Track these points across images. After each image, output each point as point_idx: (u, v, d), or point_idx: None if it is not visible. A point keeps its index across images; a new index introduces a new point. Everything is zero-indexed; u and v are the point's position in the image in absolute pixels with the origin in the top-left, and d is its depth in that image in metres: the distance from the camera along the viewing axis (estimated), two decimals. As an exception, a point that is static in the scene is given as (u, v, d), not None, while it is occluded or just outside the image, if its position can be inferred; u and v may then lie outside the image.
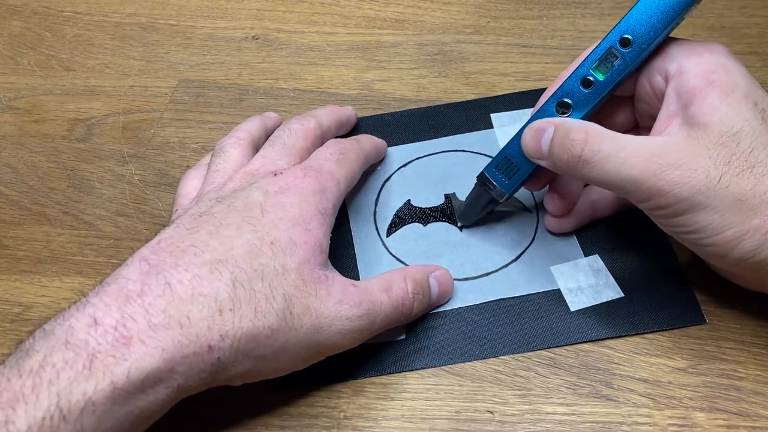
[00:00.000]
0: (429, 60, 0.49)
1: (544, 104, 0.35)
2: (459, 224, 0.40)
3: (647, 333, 0.35)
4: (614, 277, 0.37)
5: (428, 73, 0.49)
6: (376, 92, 0.48)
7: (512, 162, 0.36)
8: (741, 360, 0.34)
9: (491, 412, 0.33)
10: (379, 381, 0.35)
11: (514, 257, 0.38)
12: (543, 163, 0.34)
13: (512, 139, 0.36)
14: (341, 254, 0.39)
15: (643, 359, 0.35)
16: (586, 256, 0.38)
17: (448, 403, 0.34)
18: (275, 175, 0.34)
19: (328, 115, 0.42)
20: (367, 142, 0.42)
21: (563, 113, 0.34)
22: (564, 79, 0.34)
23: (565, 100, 0.34)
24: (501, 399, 0.34)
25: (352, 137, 0.41)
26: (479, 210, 0.39)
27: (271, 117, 0.43)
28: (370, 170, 0.43)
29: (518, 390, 0.34)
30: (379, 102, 0.47)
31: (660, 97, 0.33)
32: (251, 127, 0.40)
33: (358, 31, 0.52)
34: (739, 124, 0.30)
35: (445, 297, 0.37)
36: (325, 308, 0.31)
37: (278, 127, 0.40)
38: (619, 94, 0.35)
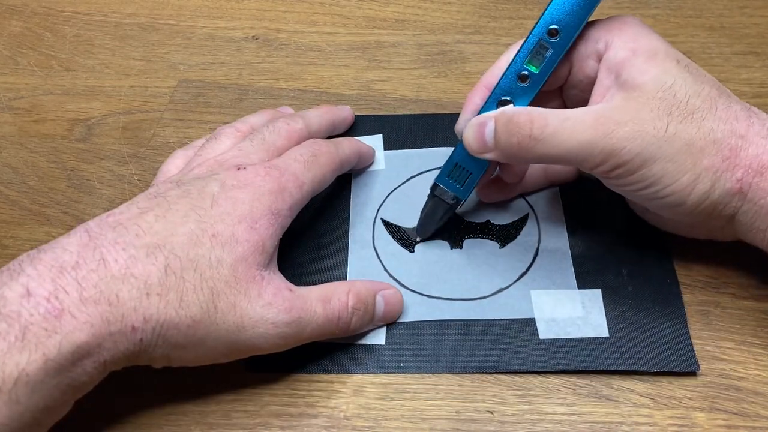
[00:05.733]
0: (429, 60, 0.49)
1: (483, 106, 0.36)
2: (418, 238, 0.40)
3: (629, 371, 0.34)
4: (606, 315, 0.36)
5: (428, 73, 0.49)
6: (376, 92, 0.48)
7: (463, 168, 0.37)
8: (741, 360, 0.34)
9: (491, 412, 0.33)
10: (379, 381, 0.34)
11: (508, 283, 0.37)
12: (490, 156, 0.35)
13: (459, 145, 0.36)
14: (334, 257, 0.39)
15: (643, 359, 0.34)
16: (580, 288, 0.37)
17: (448, 403, 0.34)
18: (238, 169, 0.34)
19: (320, 116, 0.42)
20: (348, 146, 0.40)
21: None
22: (496, 80, 0.35)
23: (505, 98, 0.35)
24: (501, 399, 0.34)
25: (332, 140, 0.40)
26: (438, 220, 0.39)
27: (285, 112, 0.43)
28: (357, 171, 0.43)
29: (518, 390, 0.34)
30: (379, 102, 0.47)
31: (594, 80, 0.34)
32: (257, 120, 0.40)
33: (358, 31, 0.52)
34: (671, 79, 0.32)
35: (393, 317, 0.36)
36: (252, 309, 0.31)
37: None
38: (548, 88, 0.36)
